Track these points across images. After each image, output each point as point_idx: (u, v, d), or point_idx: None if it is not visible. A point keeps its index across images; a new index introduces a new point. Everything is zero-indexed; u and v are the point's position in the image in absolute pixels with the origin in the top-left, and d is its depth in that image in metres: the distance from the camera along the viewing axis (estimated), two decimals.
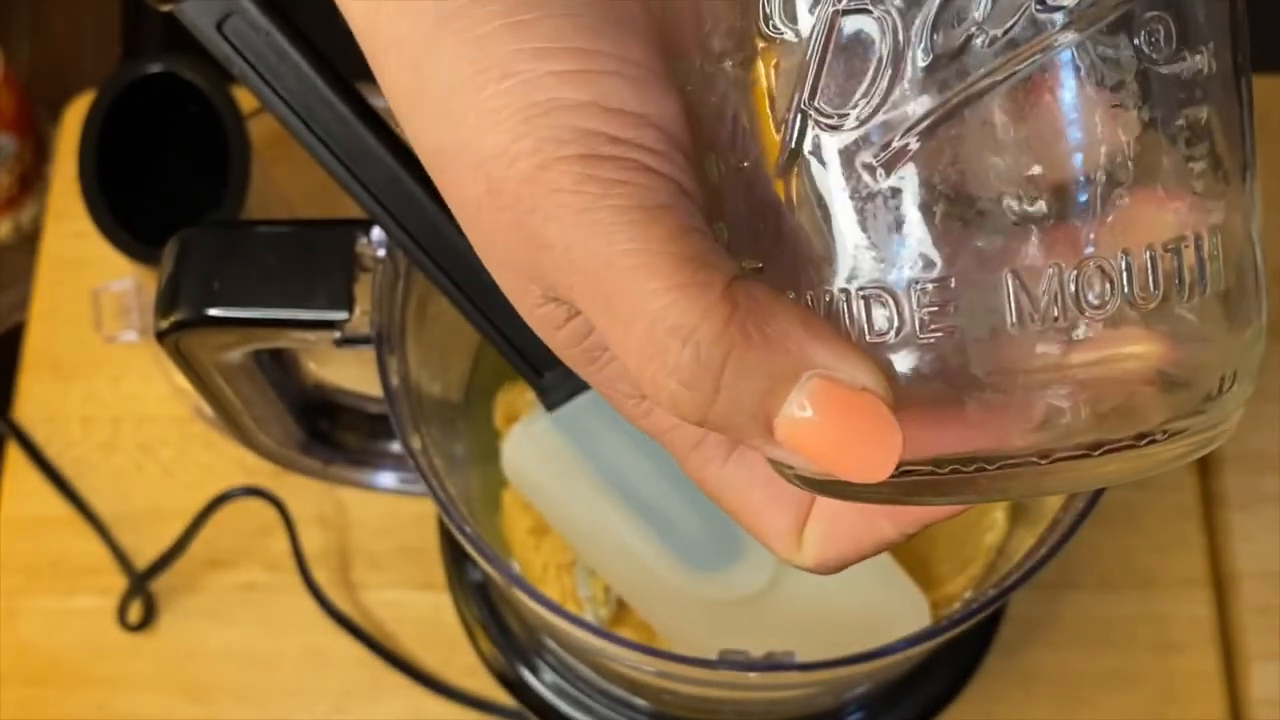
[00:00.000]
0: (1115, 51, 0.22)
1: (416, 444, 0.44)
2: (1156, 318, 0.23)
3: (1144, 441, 0.23)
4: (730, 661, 0.44)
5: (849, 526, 0.27)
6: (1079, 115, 0.22)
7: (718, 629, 0.48)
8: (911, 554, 0.51)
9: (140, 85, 0.58)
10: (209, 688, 0.59)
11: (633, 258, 0.23)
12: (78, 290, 0.64)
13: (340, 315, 0.41)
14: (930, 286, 0.22)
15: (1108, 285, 0.22)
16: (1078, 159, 0.22)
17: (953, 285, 0.22)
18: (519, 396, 0.54)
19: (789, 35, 0.23)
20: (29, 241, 0.70)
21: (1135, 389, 0.23)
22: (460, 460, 0.53)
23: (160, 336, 0.42)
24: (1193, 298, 0.23)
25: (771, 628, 0.48)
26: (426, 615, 0.60)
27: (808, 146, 0.23)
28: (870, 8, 0.22)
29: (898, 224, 0.22)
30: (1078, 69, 0.22)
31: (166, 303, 0.41)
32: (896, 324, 0.23)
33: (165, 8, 0.37)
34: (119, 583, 0.60)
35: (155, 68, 0.58)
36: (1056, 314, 0.22)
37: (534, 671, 0.57)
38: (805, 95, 0.23)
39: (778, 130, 0.23)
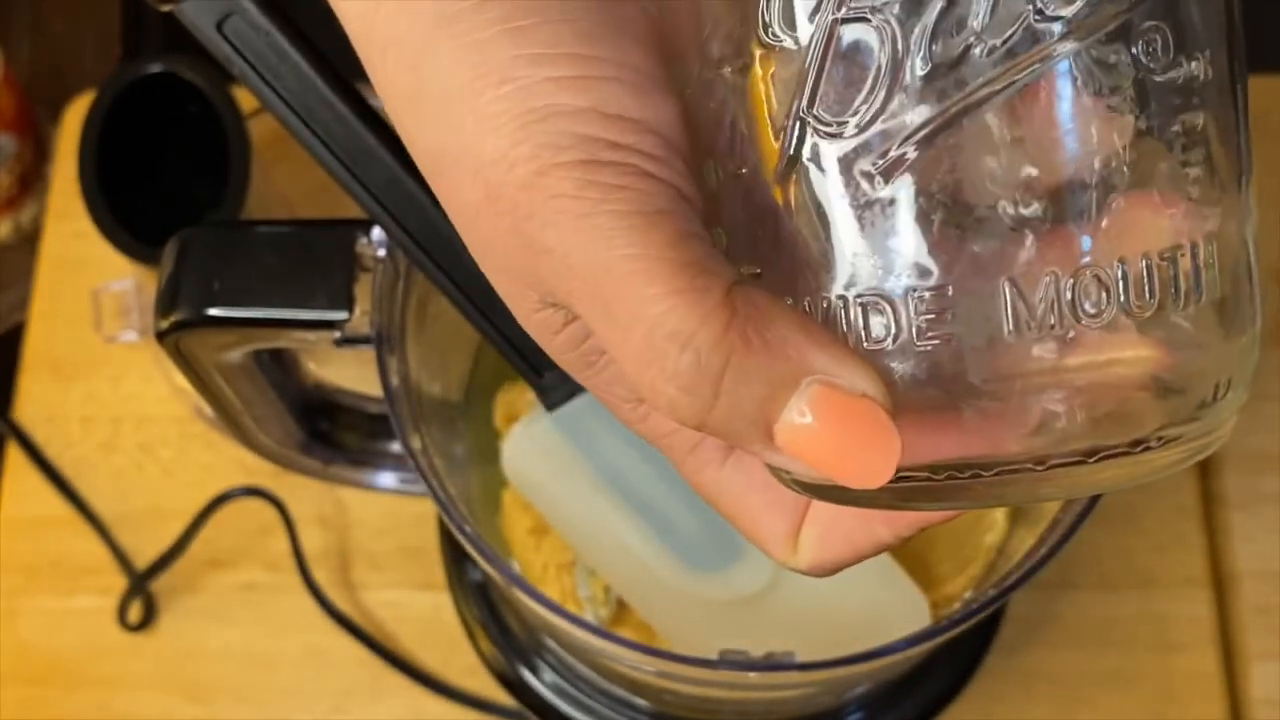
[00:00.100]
0: (1113, 60, 0.22)
1: (416, 444, 0.44)
2: (1152, 325, 0.23)
3: (1139, 448, 0.23)
4: (730, 661, 0.44)
5: (844, 530, 0.27)
6: (1077, 124, 0.22)
7: (718, 629, 0.48)
8: (911, 554, 0.51)
9: (140, 85, 0.58)
10: (209, 688, 0.59)
11: (632, 263, 0.22)
12: (78, 290, 0.64)
13: (340, 315, 0.41)
14: (927, 294, 0.23)
15: (1104, 294, 0.22)
16: (1075, 168, 0.22)
17: (950, 293, 0.22)
18: (519, 396, 0.54)
19: (788, 43, 0.23)
20: (29, 241, 0.70)
21: (1130, 395, 0.23)
22: (460, 460, 0.53)
23: (160, 336, 0.42)
24: (1188, 306, 0.23)
25: (771, 628, 0.48)
26: (426, 615, 0.60)
27: (806, 154, 0.23)
28: (869, 17, 0.22)
29: (895, 232, 0.22)
30: (1075, 78, 0.22)
31: (166, 303, 0.41)
32: (894, 331, 0.23)
33: (165, 8, 0.37)
34: (119, 583, 0.60)
35: (155, 68, 0.58)
36: (1053, 322, 0.22)
37: (534, 671, 0.57)
38: (804, 103, 0.23)
39: (776, 137, 0.23)
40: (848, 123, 0.22)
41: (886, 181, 0.22)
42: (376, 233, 0.42)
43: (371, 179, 0.39)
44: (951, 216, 0.22)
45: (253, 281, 0.41)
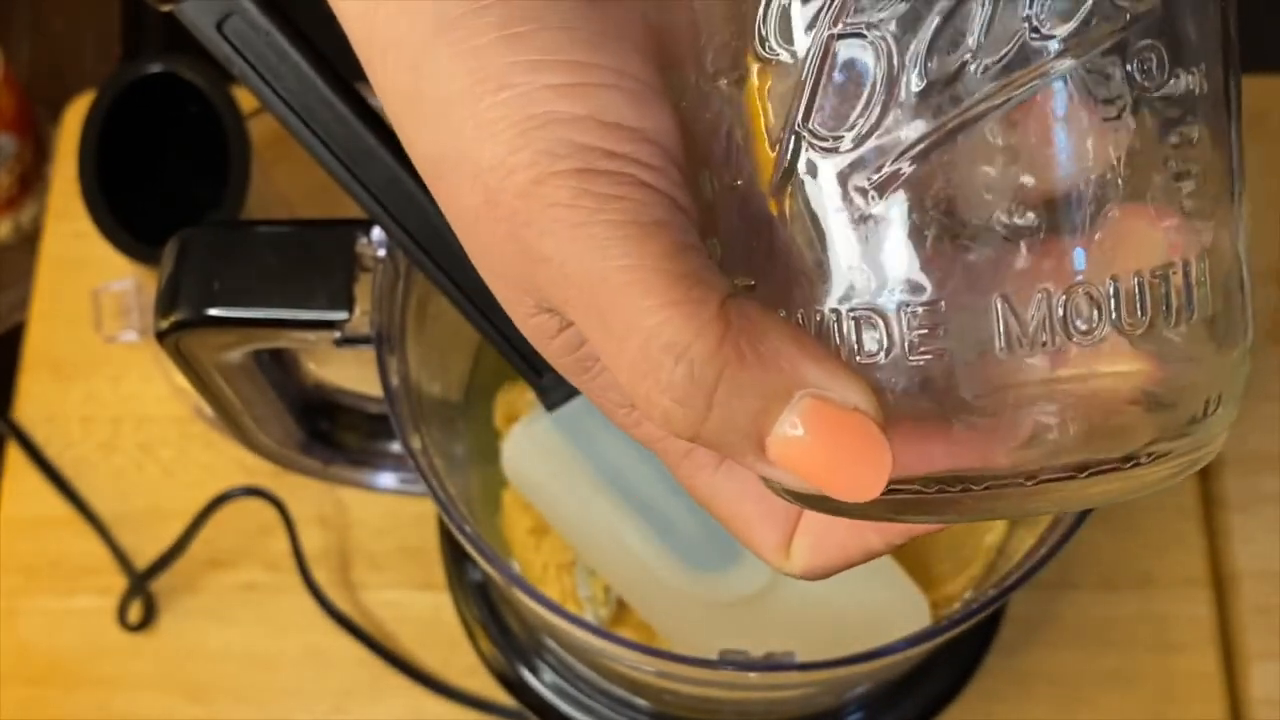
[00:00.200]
0: (1108, 77, 0.22)
1: (416, 444, 0.44)
2: (1144, 340, 0.23)
3: (1129, 463, 0.24)
4: (730, 661, 0.44)
5: (837, 538, 0.27)
6: (1071, 141, 0.22)
7: (718, 629, 0.48)
8: (911, 554, 0.51)
9: (140, 85, 0.58)
10: (209, 688, 0.59)
11: (628, 274, 0.23)
12: (78, 290, 0.64)
13: (340, 315, 0.41)
14: (920, 309, 0.23)
15: (1096, 311, 0.22)
16: (1069, 184, 0.22)
17: (942, 309, 0.23)
18: (519, 396, 0.54)
19: (784, 56, 0.23)
20: (29, 241, 0.70)
21: (1121, 409, 0.23)
22: (460, 460, 0.53)
23: (160, 336, 0.42)
24: (1180, 324, 0.23)
25: (771, 628, 0.48)
26: (426, 615, 0.60)
27: (801, 168, 0.23)
28: (865, 33, 0.22)
29: (889, 247, 0.23)
30: (1071, 95, 0.22)
31: (166, 303, 0.41)
32: (886, 345, 0.23)
33: (165, 8, 0.37)
34: (119, 583, 0.60)
35: (155, 68, 0.58)
36: (1045, 339, 0.22)
37: (534, 671, 0.57)
38: (799, 117, 0.23)
39: (772, 150, 0.23)
40: (843, 137, 0.22)
41: (881, 196, 0.22)
42: (376, 233, 0.42)
43: (371, 179, 0.39)
44: (945, 232, 0.22)
45: (253, 281, 0.41)
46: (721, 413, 0.23)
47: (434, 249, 0.40)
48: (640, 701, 0.55)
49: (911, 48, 0.22)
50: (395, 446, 0.54)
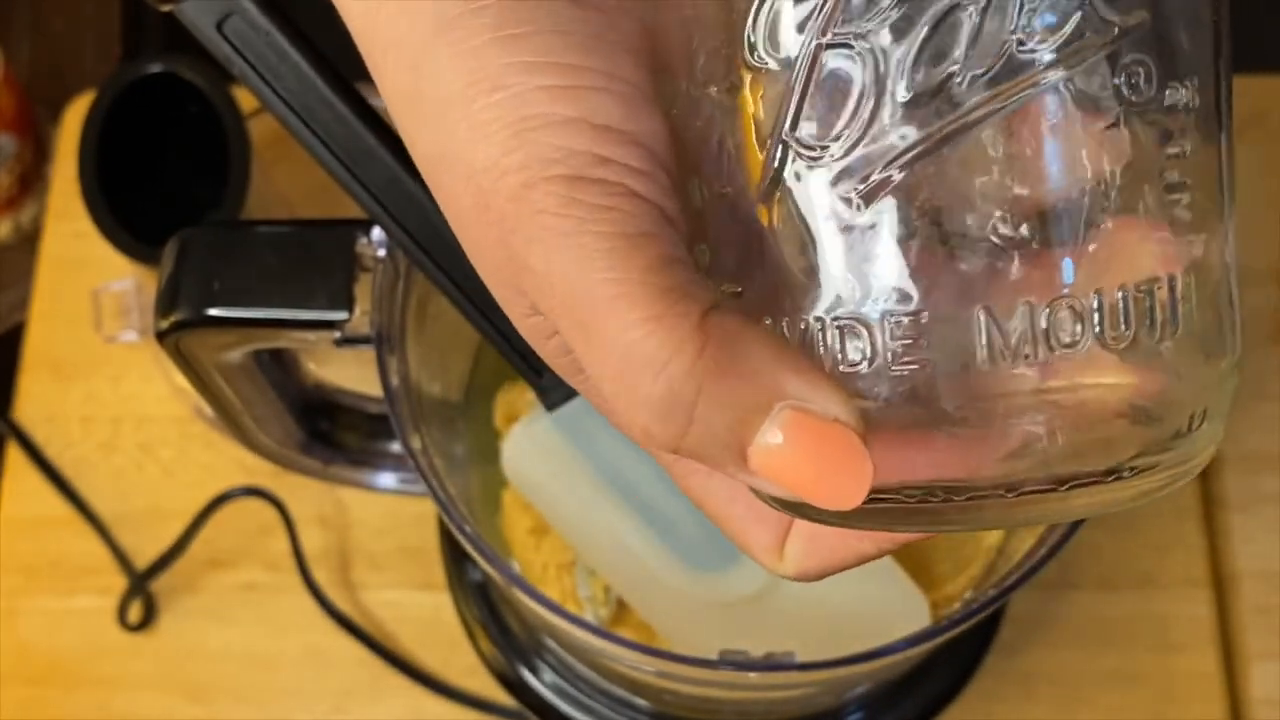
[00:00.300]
0: (1097, 90, 0.22)
1: (416, 444, 0.44)
2: (1128, 354, 0.23)
3: (1111, 477, 0.24)
4: (730, 661, 0.44)
5: (829, 541, 0.27)
6: (1059, 153, 0.22)
7: (718, 629, 0.48)
8: (911, 554, 0.51)
9: (140, 85, 0.58)
10: (209, 688, 0.59)
11: (612, 287, 0.23)
12: (78, 290, 0.64)
13: (340, 315, 0.41)
14: (904, 320, 0.23)
15: (1079, 325, 0.22)
16: (1055, 196, 0.22)
17: (926, 319, 0.23)
18: (519, 396, 0.54)
19: (773, 65, 0.23)
20: (29, 241, 0.70)
21: (1104, 423, 0.23)
22: (460, 460, 0.53)
23: (160, 336, 0.42)
24: (1165, 339, 0.23)
25: (771, 628, 0.48)
26: (426, 615, 0.60)
27: (789, 176, 0.23)
28: (853, 43, 0.22)
29: (874, 256, 0.23)
30: (1058, 109, 0.22)
31: (166, 303, 0.41)
32: (869, 355, 0.23)
33: (165, 8, 0.37)
34: (119, 583, 0.60)
35: (155, 68, 0.58)
36: (1028, 351, 0.22)
37: (534, 671, 0.57)
38: (787, 125, 0.23)
39: (760, 158, 0.23)
40: (830, 146, 0.22)
41: (867, 206, 0.22)
42: (376, 233, 0.42)
43: (371, 179, 0.39)
44: (930, 243, 0.22)
45: (253, 281, 0.41)
46: (701, 427, 0.23)
47: (434, 249, 0.40)
48: (640, 701, 0.55)
49: (898, 58, 0.22)
50: (395, 446, 0.54)
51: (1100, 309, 0.22)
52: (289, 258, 0.42)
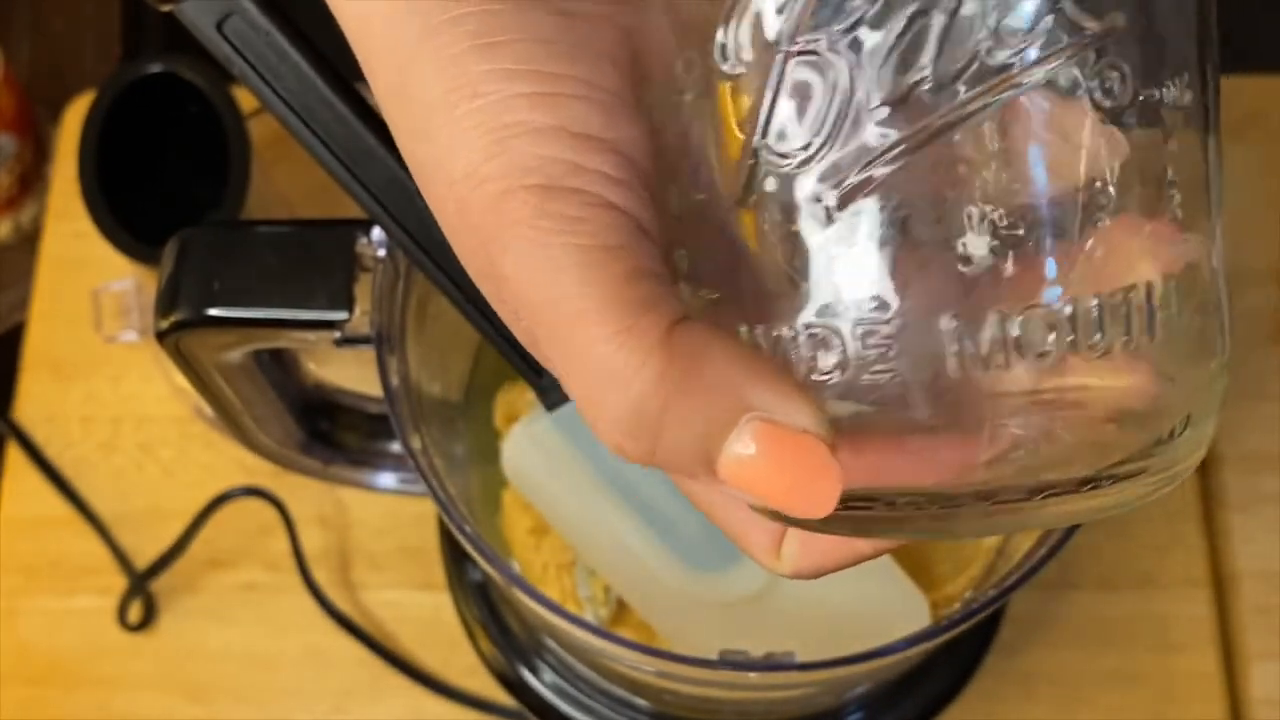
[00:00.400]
0: (1070, 94, 0.22)
1: (416, 444, 0.44)
2: (1106, 360, 0.23)
3: (1088, 486, 0.23)
4: (730, 661, 0.44)
5: (824, 541, 0.27)
6: (1031, 161, 0.22)
7: (718, 629, 0.48)
8: (911, 554, 0.51)
9: (140, 85, 0.58)
10: (209, 688, 0.59)
11: (581, 301, 0.23)
12: (78, 290, 0.64)
13: (340, 315, 0.41)
14: (876, 327, 0.23)
15: (1052, 332, 0.22)
16: (1028, 204, 0.22)
17: (898, 326, 0.22)
18: (519, 396, 0.54)
19: (746, 72, 0.23)
20: (29, 241, 0.70)
21: (1082, 430, 0.23)
22: (460, 460, 0.53)
23: (160, 336, 0.42)
24: (1144, 345, 0.23)
25: (771, 628, 0.48)
26: (426, 615, 0.60)
27: (763, 184, 0.23)
28: (824, 50, 0.22)
29: (846, 264, 0.23)
30: (1030, 115, 0.22)
31: (166, 303, 0.41)
32: (841, 363, 0.23)
33: (165, 8, 0.37)
34: (119, 583, 0.60)
35: (155, 68, 0.58)
36: (1000, 360, 0.22)
37: (534, 671, 0.57)
38: (759, 133, 0.23)
39: (734, 165, 0.23)
40: (800, 154, 0.22)
41: (839, 211, 0.22)
42: (376, 233, 0.42)
43: (371, 179, 0.39)
44: (901, 251, 0.22)
45: (253, 281, 0.41)
46: (669, 441, 0.23)
47: (434, 249, 0.40)
48: (640, 701, 0.55)
49: (869, 65, 0.22)
50: (395, 446, 0.54)
51: (1074, 317, 0.22)
52: (289, 258, 0.42)
